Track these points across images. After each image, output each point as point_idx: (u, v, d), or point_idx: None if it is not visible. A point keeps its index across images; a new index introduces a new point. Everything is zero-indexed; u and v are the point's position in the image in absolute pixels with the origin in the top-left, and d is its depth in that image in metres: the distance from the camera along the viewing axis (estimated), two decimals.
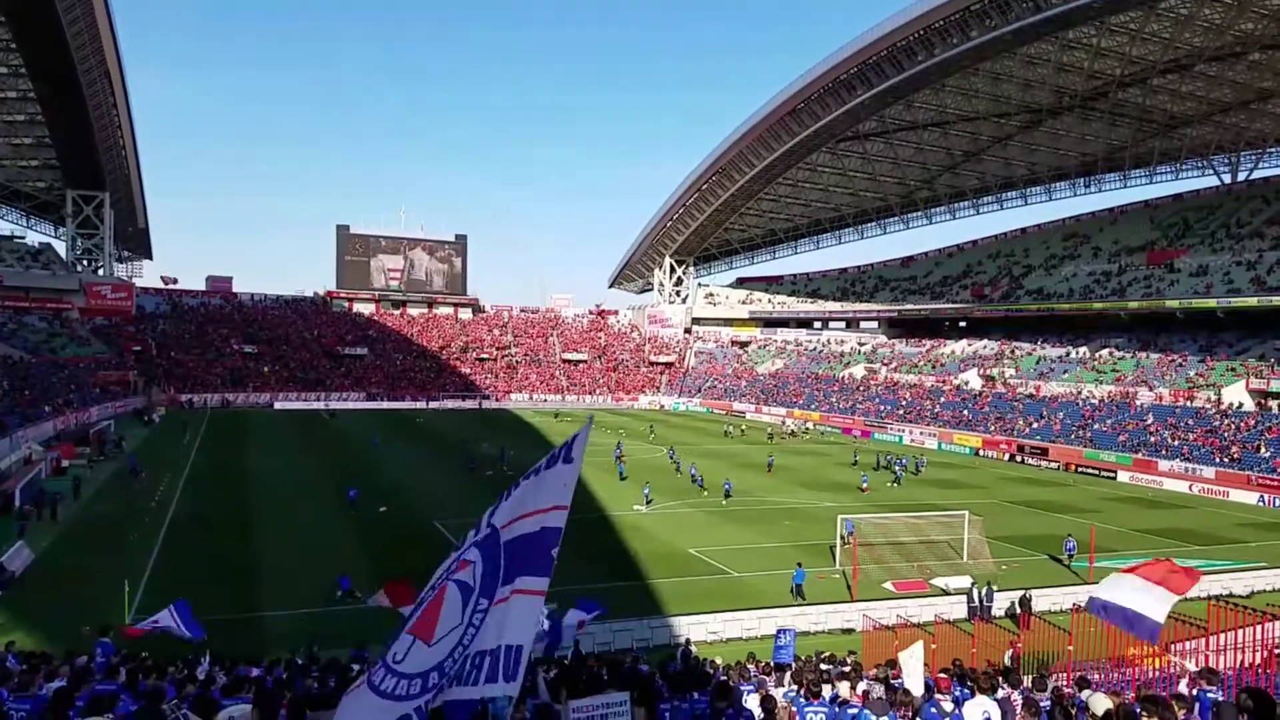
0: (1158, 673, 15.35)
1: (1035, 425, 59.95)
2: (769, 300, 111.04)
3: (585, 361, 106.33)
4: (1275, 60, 57.79)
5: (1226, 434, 49.70)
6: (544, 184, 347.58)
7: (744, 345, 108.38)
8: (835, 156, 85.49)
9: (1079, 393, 62.90)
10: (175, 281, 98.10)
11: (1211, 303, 61.67)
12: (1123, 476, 50.37)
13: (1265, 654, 14.36)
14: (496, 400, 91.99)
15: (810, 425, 76.00)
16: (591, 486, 40.24)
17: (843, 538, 29.15)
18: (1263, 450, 46.73)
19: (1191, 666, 12.39)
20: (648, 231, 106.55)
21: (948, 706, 8.64)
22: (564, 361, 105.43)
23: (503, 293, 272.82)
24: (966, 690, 9.66)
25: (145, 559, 26.59)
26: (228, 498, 37.04)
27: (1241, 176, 77.88)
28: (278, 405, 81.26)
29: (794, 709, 9.24)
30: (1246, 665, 14.06)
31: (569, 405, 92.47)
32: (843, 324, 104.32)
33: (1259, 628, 15.34)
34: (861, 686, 11.63)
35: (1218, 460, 47.44)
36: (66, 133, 69.38)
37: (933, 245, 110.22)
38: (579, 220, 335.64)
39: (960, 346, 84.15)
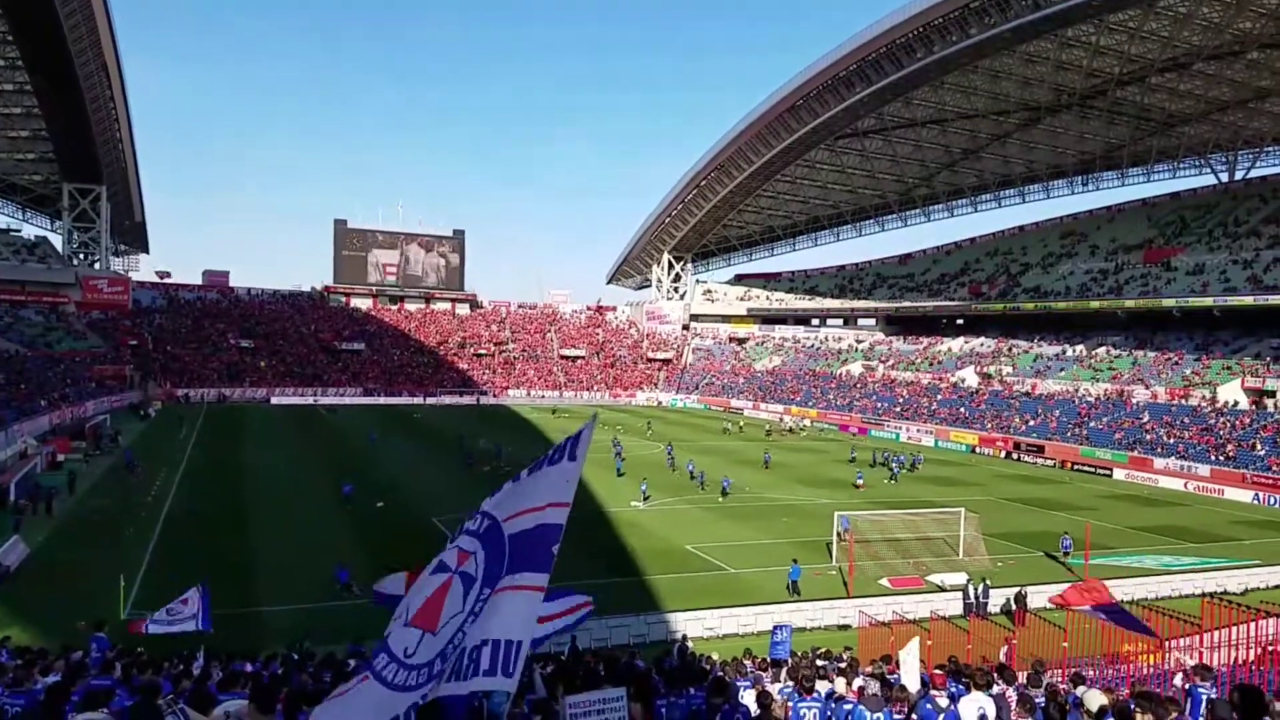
0: (1152, 669, 15.42)
1: (1032, 423, 60.05)
2: (767, 297, 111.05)
3: (583, 358, 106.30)
4: (1273, 59, 57.83)
5: (1222, 432, 49.82)
6: (542, 180, 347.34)
7: (742, 342, 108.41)
8: (834, 153, 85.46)
9: (1075, 390, 63.02)
10: (168, 276, 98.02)
11: (1208, 301, 61.78)
12: (1118, 474, 50.50)
13: (1259, 651, 14.41)
14: (494, 396, 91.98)
15: (808, 423, 76.03)
16: (589, 483, 40.24)
17: (839, 534, 29.20)
18: (1258, 448, 46.86)
19: (1190, 662, 12.44)
20: (646, 227, 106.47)
21: (943, 702, 8.67)
22: (562, 358, 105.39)
23: (501, 289, 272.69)
24: (962, 686, 9.69)
25: (141, 554, 26.56)
26: (224, 493, 37.00)
27: (1239, 175, 77.98)
28: (274, 400, 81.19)
29: (790, 704, 9.26)
30: (1240, 662, 14.12)
31: (567, 401, 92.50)
32: (840, 321, 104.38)
33: (1253, 625, 15.39)
34: (857, 682, 11.66)
35: (1213, 458, 47.56)
36: (63, 126, 69.17)
37: (931, 243, 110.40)
38: (577, 217, 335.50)
39: (957, 344, 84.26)
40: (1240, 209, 73.66)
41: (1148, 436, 52.37)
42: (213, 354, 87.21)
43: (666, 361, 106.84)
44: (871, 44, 62.72)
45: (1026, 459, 56.47)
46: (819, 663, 14.52)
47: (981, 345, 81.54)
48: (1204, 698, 8.50)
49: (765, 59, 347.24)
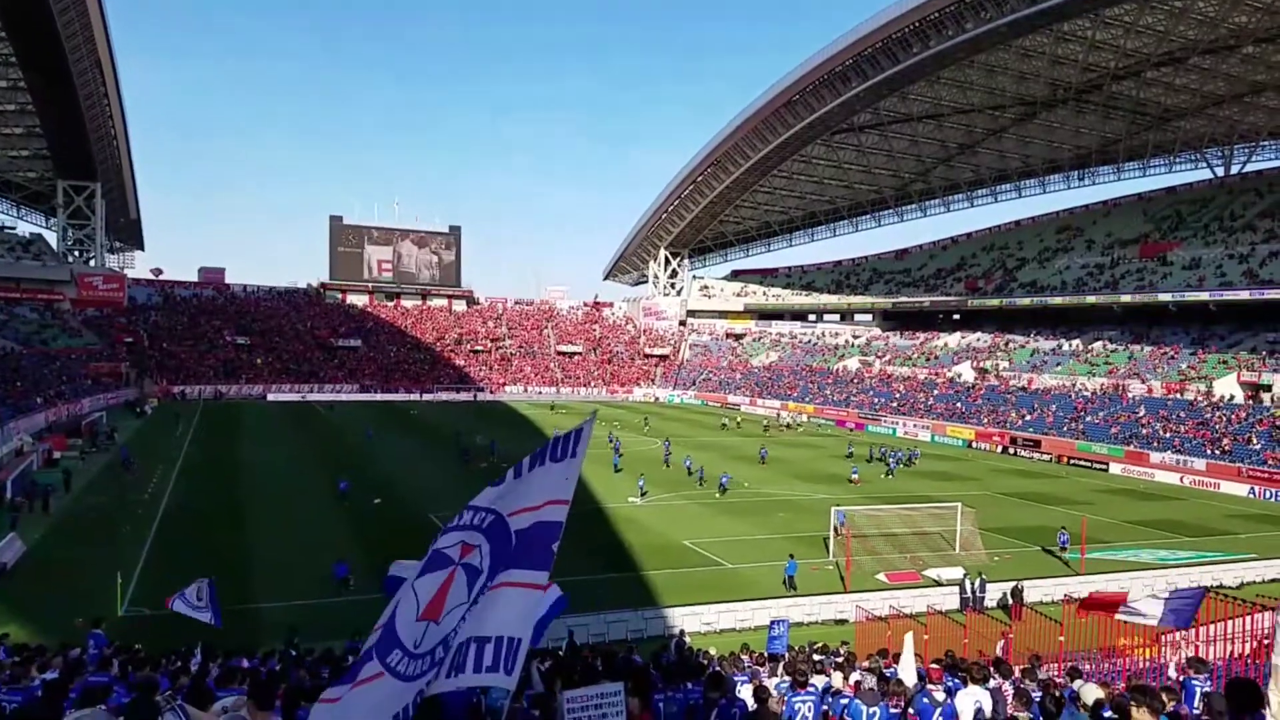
0: (1148, 663, 15.48)
1: (1028, 417, 60.16)
2: (763, 293, 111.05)
3: (580, 354, 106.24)
4: (1268, 53, 57.88)
5: (1218, 426, 49.95)
6: (540, 177, 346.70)
7: (739, 338, 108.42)
8: (830, 149, 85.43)
9: (1072, 385, 63.14)
10: (161, 273, 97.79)
11: (1204, 296, 61.93)
12: (1115, 468, 50.62)
13: (1255, 644, 14.46)
14: (491, 393, 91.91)
15: (805, 418, 76.08)
16: (586, 479, 40.23)
17: (836, 529, 29.26)
18: (1254, 442, 46.99)
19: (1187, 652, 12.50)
20: (643, 224, 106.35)
21: (940, 696, 8.69)
22: (559, 354, 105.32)
23: (497, 285, 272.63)
24: (958, 680, 9.71)
25: (138, 551, 26.53)
26: (220, 489, 36.95)
27: (1235, 169, 78.15)
28: (271, 397, 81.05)
29: (785, 699, 9.27)
30: (1236, 656, 14.17)
31: (564, 398, 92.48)
32: (837, 316, 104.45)
33: (1248, 619, 15.44)
34: (854, 677, 11.69)
35: (1209, 452, 47.70)
36: (58, 123, 68.92)
37: (927, 238, 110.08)
38: (574, 213, 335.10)
39: (954, 339, 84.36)
40: (1236, 203, 73.78)
41: (1144, 431, 52.50)
42: (209, 351, 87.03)
43: (663, 357, 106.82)
44: (868, 39, 62.66)
45: (1023, 454, 56.57)
46: (816, 657, 14.56)
47: (978, 340, 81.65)
48: (1198, 690, 8.55)
49: (764, 56, 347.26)
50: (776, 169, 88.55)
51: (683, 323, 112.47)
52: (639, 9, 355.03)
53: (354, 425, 60.48)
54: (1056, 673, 13.78)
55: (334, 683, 4.54)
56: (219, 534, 29.14)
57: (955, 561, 27.74)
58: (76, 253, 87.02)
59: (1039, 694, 8.73)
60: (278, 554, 26.97)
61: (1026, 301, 76.71)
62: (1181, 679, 8.96)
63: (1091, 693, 7.84)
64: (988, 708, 8.26)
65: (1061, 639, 18.33)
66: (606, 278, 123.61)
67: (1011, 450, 57.62)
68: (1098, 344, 69.80)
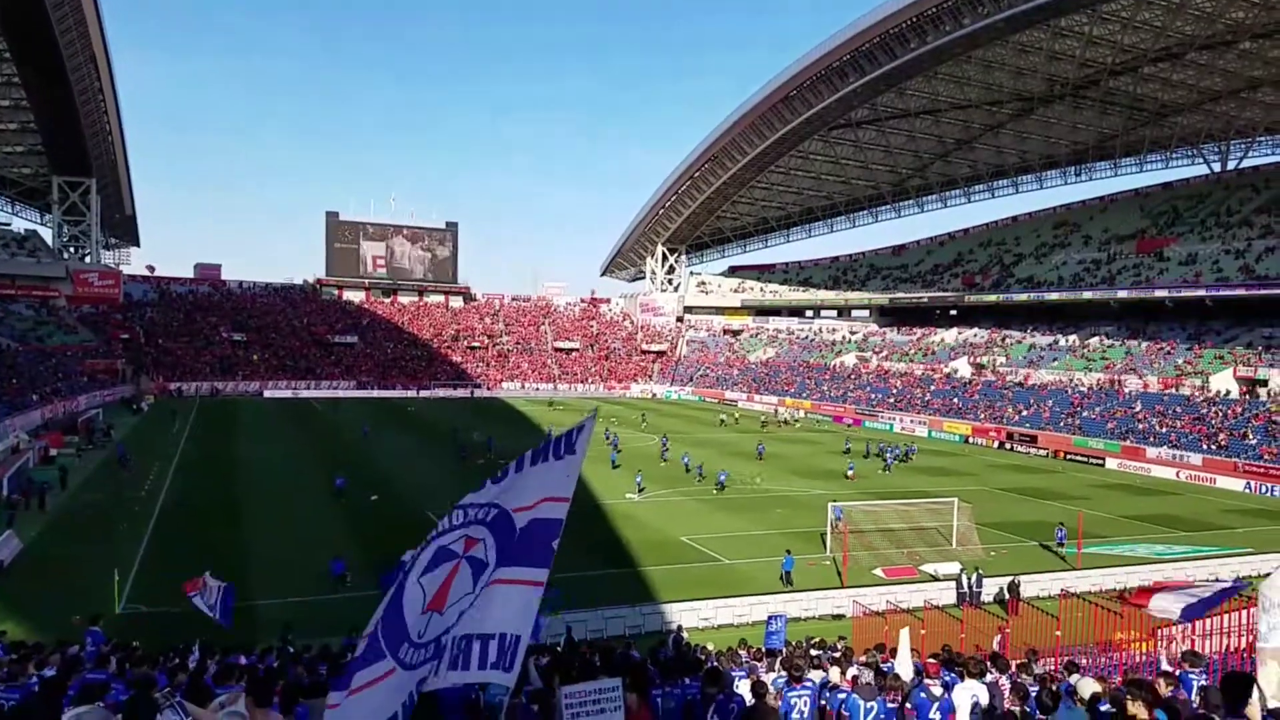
0: (1145, 657, 15.52)
1: (1025, 413, 60.27)
2: (761, 289, 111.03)
3: (577, 350, 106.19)
4: (1265, 49, 57.92)
5: (1214, 421, 50.08)
6: (537, 174, 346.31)
7: (736, 334, 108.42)
8: (828, 144, 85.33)
9: (1068, 380, 63.25)
10: (154, 270, 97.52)
11: (1200, 292, 62.03)
12: (1111, 463, 50.75)
13: (1250, 639, 14.50)
14: (488, 389, 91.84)
15: (802, 414, 76.18)
16: (584, 475, 40.07)
17: (833, 524, 29.31)
18: (1249, 437, 47.13)
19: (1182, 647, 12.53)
20: (640, 220, 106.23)
21: (937, 691, 8.71)
22: (556, 350, 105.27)
23: (494, 281, 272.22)
24: (955, 675, 9.74)
25: (135, 548, 26.51)
26: (217, 486, 36.91)
27: (1231, 165, 78.16)
28: (267, 394, 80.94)
29: (782, 693, 9.29)
30: (1231, 650, 14.23)
31: (561, 394, 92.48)
32: (834, 312, 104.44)
33: (1244, 613, 15.48)
34: (851, 671, 11.71)
35: (1205, 447, 47.83)
36: (52, 118, 68.63)
37: (924, 233, 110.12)
38: (573, 212, 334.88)
39: (951, 335, 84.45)
40: (1233, 199, 73.87)
41: (1140, 426, 52.61)
42: (205, 347, 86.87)
43: (661, 354, 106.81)
44: (865, 34, 62.54)
45: (1019, 449, 56.69)
46: (813, 652, 14.58)
47: (975, 336, 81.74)
48: (1194, 684, 8.58)
49: (762, 53, 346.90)
50: (774, 165, 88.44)
51: (680, 319, 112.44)
52: (638, 9, 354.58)
53: (350, 422, 60.42)
54: (1053, 667, 13.82)
55: (337, 684, 4.55)
56: (216, 531, 29.12)
57: (952, 556, 27.81)
58: (72, 249, 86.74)
59: (1035, 688, 8.76)
60: (274, 551, 26.97)
61: (1023, 297, 76.79)
62: (1177, 673, 8.98)
63: (1088, 687, 7.86)
64: (984, 702, 8.30)
65: (1058, 633, 18.40)
66: (604, 274, 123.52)
67: (1008, 445, 57.73)
68: (1094, 339, 69.91)
